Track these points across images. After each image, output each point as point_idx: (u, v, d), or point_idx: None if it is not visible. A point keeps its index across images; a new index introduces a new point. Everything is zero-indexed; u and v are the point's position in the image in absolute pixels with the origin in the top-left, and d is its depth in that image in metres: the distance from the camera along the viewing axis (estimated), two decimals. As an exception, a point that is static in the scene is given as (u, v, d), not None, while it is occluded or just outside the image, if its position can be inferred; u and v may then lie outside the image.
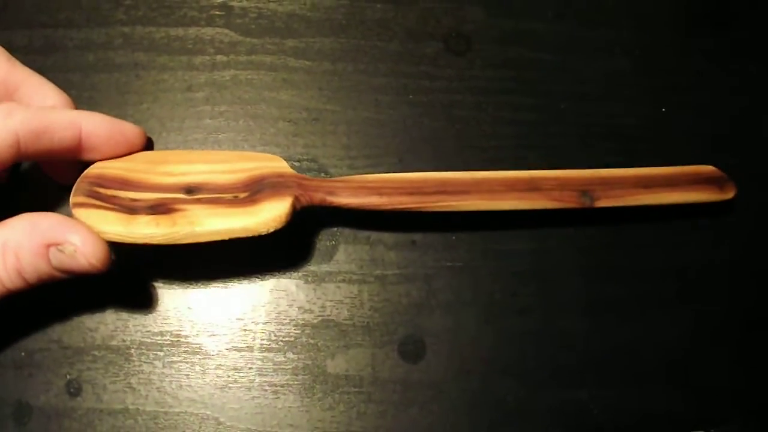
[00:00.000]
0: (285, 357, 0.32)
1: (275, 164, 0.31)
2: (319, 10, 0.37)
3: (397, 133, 0.36)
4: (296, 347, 0.32)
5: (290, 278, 0.33)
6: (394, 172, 0.33)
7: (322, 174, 0.35)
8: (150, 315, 0.32)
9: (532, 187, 0.32)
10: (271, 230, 0.28)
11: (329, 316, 0.33)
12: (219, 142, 0.35)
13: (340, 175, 0.34)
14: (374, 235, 0.34)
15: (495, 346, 0.33)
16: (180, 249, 0.28)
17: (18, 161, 0.27)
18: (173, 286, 0.33)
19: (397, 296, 0.33)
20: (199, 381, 0.31)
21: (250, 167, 0.30)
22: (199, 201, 0.29)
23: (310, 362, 0.32)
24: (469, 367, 0.33)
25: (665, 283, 0.35)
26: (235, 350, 0.32)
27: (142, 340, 0.32)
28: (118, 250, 0.27)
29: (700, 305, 0.35)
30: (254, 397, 0.31)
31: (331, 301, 0.33)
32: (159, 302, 0.32)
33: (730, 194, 0.34)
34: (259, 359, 0.32)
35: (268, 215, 0.29)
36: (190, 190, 0.29)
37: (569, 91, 0.38)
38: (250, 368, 0.32)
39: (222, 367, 0.32)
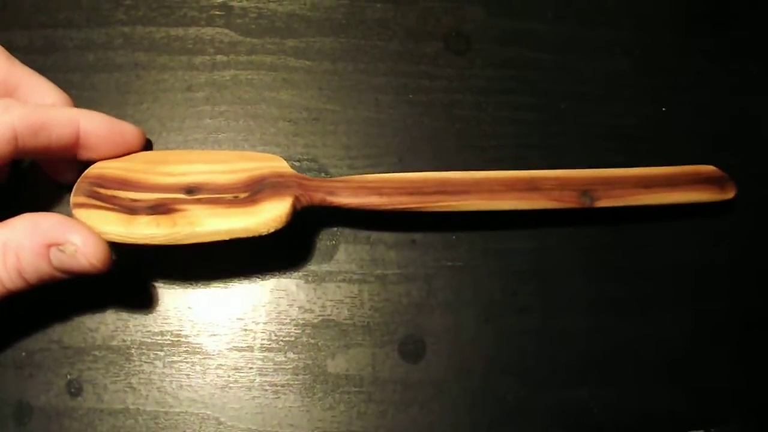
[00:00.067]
0: (285, 357, 0.32)
1: (275, 164, 0.31)
2: (319, 9, 0.37)
3: (397, 132, 0.36)
4: (297, 347, 0.32)
5: (291, 278, 0.33)
6: (394, 171, 0.33)
7: (323, 174, 0.35)
8: (150, 315, 0.32)
9: (532, 187, 0.32)
10: (272, 230, 0.29)
11: (330, 315, 0.33)
12: (219, 142, 0.35)
13: (341, 175, 0.34)
14: (374, 234, 0.34)
15: (495, 346, 0.33)
16: (180, 249, 0.28)
17: (16, 157, 0.27)
18: (173, 286, 0.33)
19: (398, 296, 0.33)
20: (200, 381, 0.31)
21: (251, 167, 0.30)
22: (199, 201, 0.29)
23: (310, 362, 0.32)
24: (470, 366, 0.33)
25: (665, 282, 0.35)
26: (235, 350, 0.32)
27: (143, 340, 0.32)
28: (119, 250, 0.28)
29: (700, 305, 0.35)
30: (255, 396, 0.31)
31: (331, 300, 0.33)
32: (159, 302, 0.32)
33: (730, 194, 0.34)
34: (260, 359, 0.32)
35: (268, 215, 0.29)
36: (190, 190, 0.29)
37: (569, 90, 0.38)
38: (250, 368, 0.32)
39: (222, 367, 0.32)
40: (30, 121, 0.27)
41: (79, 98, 0.33)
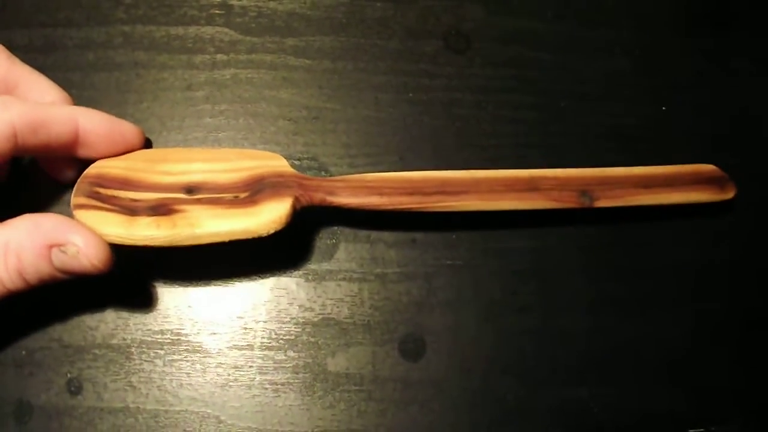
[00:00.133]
0: (285, 355, 0.32)
1: (275, 163, 0.31)
2: (319, 8, 0.37)
3: (397, 131, 0.36)
4: (297, 345, 0.32)
5: (291, 277, 0.33)
6: (394, 170, 0.33)
7: (323, 173, 0.35)
8: (150, 313, 0.32)
9: (532, 187, 0.32)
10: (272, 232, 0.29)
11: (330, 314, 0.33)
12: (219, 140, 0.35)
13: (341, 174, 0.34)
14: (374, 233, 0.34)
15: (495, 345, 0.33)
16: (180, 249, 0.28)
17: (16, 155, 0.27)
18: (174, 284, 0.33)
19: (398, 295, 0.33)
20: (200, 379, 0.31)
21: (251, 166, 0.30)
22: (199, 201, 0.29)
23: (310, 360, 0.32)
24: (470, 365, 0.33)
25: (666, 282, 0.35)
26: (235, 349, 0.32)
27: (143, 338, 0.32)
28: (119, 250, 0.28)
29: (700, 304, 0.35)
30: (255, 395, 0.31)
31: (331, 299, 0.33)
32: (159, 301, 0.32)
33: (730, 194, 0.34)
34: (260, 357, 0.32)
35: (268, 217, 0.29)
36: (190, 189, 0.29)
37: (569, 90, 0.38)
38: (250, 366, 0.32)
39: (222, 366, 0.32)
40: (29, 118, 0.27)
41: (79, 97, 0.33)
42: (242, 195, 0.29)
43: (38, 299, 0.28)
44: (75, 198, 0.28)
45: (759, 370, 0.34)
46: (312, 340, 0.32)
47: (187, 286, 0.33)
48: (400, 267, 0.34)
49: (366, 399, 0.32)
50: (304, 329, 0.32)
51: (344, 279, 0.33)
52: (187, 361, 0.32)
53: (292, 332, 0.32)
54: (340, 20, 0.37)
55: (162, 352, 0.32)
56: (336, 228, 0.34)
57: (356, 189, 0.31)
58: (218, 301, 0.33)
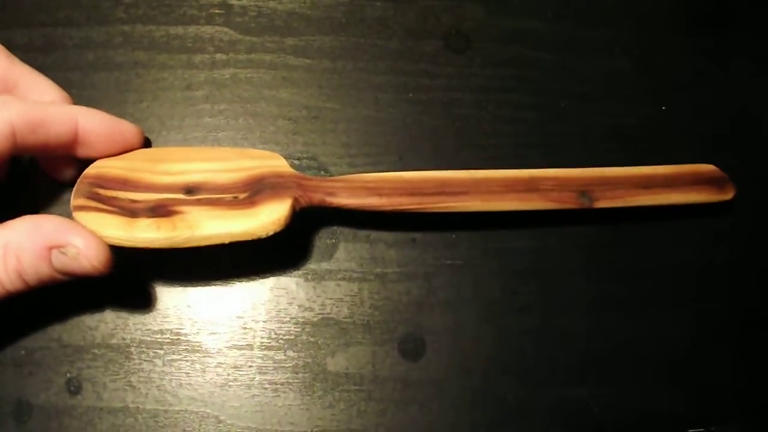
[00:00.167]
0: (285, 355, 0.32)
1: (275, 163, 0.31)
2: (319, 8, 0.37)
3: (397, 131, 0.36)
4: (296, 345, 0.32)
5: (290, 276, 0.33)
6: (394, 170, 0.33)
7: (322, 172, 0.35)
8: (150, 313, 0.32)
9: (531, 187, 0.32)
10: (271, 233, 0.29)
11: (329, 314, 0.33)
12: (219, 140, 0.35)
13: (340, 174, 0.34)
14: (374, 233, 0.34)
15: (495, 345, 0.33)
16: (180, 249, 0.28)
17: (15, 154, 0.27)
18: (173, 284, 0.33)
19: (397, 294, 0.33)
20: (199, 379, 0.31)
21: (250, 166, 0.30)
22: (199, 202, 0.29)
23: (310, 360, 0.32)
24: (470, 365, 0.33)
25: (666, 282, 0.35)
26: (235, 348, 0.32)
27: (142, 338, 0.32)
28: (118, 250, 0.28)
29: (700, 304, 0.35)
30: (254, 395, 0.31)
31: (331, 299, 0.33)
32: (159, 300, 0.32)
33: (729, 195, 0.34)
34: (259, 357, 0.32)
35: (267, 218, 0.29)
36: (189, 190, 0.30)
37: (569, 90, 0.38)
38: (250, 366, 0.32)
39: (222, 366, 0.32)
40: (28, 117, 0.27)
41: (79, 97, 0.33)
42: (241, 195, 0.29)
43: (38, 299, 0.28)
44: (74, 199, 0.28)
45: (759, 370, 0.34)
46: (311, 339, 0.32)
47: (187, 285, 0.33)
48: (399, 267, 0.34)
49: (366, 399, 0.32)
50: (303, 329, 0.32)
51: (344, 279, 0.33)
52: (187, 360, 0.32)
53: (291, 332, 0.32)
54: (339, 20, 0.37)
55: (161, 351, 0.32)
56: (336, 228, 0.34)
57: (355, 189, 0.31)
58: (218, 300, 0.32)
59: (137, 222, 0.28)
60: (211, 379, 0.31)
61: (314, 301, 0.33)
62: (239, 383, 0.32)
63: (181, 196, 0.29)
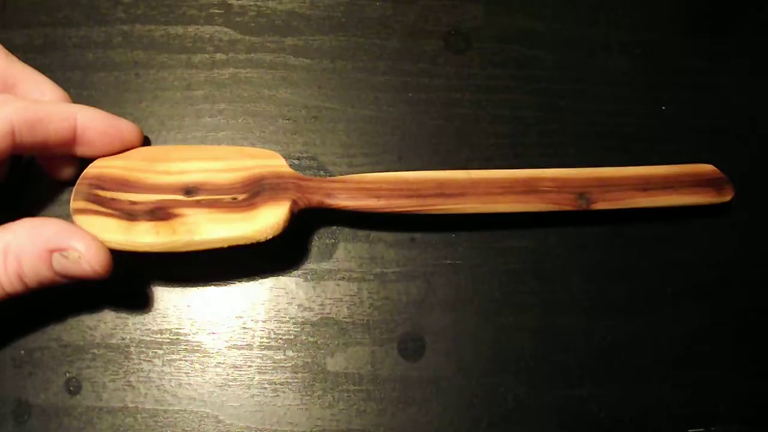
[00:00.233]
0: (284, 355, 0.32)
1: (274, 162, 0.31)
2: (319, 8, 0.37)
3: (397, 130, 0.36)
4: (296, 345, 0.32)
5: (290, 276, 0.33)
6: (393, 170, 0.33)
7: (322, 172, 0.35)
8: (149, 313, 0.32)
9: (529, 189, 0.32)
10: (269, 237, 0.29)
11: (329, 314, 0.33)
12: (218, 140, 0.35)
13: (340, 173, 0.34)
14: (374, 233, 0.34)
15: (494, 344, 0.33)
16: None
17: (15, 152, 0.27)
18: (173, 284, 0.33)
19: (397, 294, 0.33)
20: (199, 379, 0.31)
21: (249, 165, 0.30)
22: (198, 203, 0.29)
23: (309, 360, 0.32)
24: (469, 364, 0.33)
25: (665, 281, 0.35)
26: (234, 348, 0.32)
27: (142, 338, 0.32)
28: (118, 252, 0.28)
29: (699, 303, 0.35)
30: (254, 395, 0.31)
31: (330, 299, 0.33)
32: (158, 300, 0.32)
33: (727, 197, 0.34)
34: (259, 357, 0.32)
35: (265, 223, 0.29)
36: (189, 190, 0.30)
37: (568, 89, 0.38)
38: (249, 366, 0.32)
39: (221, 365, 0.32)
40: (27, 115, 0.27)
41: (79, 97, 0.33)
42: (240, 197, 0.30)
43: (37, 299, 0.28)
44: (74, 202, 0.29)
45: (759, 369, 0.34)
46: (311, 339, 0.32)
47: (186, 285, 0.33)
48: (399, 266, 0.34)
49: (365, 398, 0.32)
50: (303, 329, 0.32)
51: (343, 278, 0.33)
52: (186, 360, 0.32)
53: (291, 332, 0.32)
54: (339, 20, 0.37)
55: (161, 351, 0.32)
56: (335, 227, 0.34)
57: (354, 191, 0.31)
58: (217, 300, 0.32)
59: (137, 226, 0.28)
60: (210, 378, 0.31)
61: (314, 301, 0.33)
62: (239, 383, 0.32)
63: (180, 197, 0.29)
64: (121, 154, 0.30)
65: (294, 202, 0.30)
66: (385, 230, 0.34)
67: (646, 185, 0.33)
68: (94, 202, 0.29)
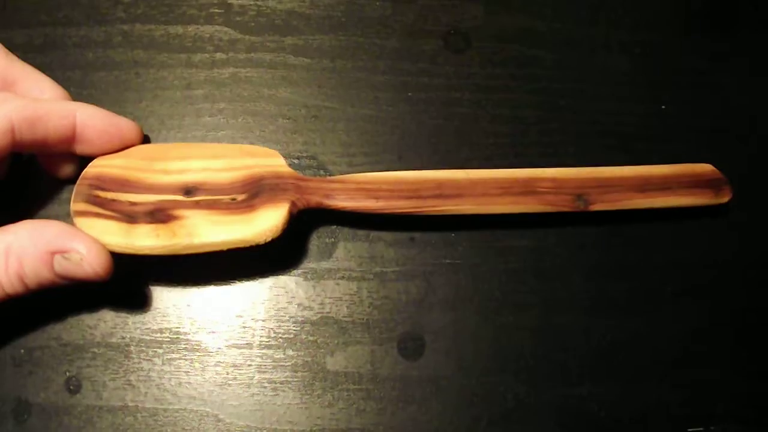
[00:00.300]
0: (284, 354, 0.32)
1: (273, 161, 0.31)
2: (318, 7, 0.37)
3: (396, 130, 0.36)
4: (295, 344, 0.32)
5: (289, 275, 0.33)
6: (393, 169, 0.33)
7: (321, 171, 0.35)
8: (149, 312, 0.32)
9: (527, 190, 0.32)
10: (268, 240, 0.29)
11: (329, 313, 0.33)
12: (218, 139, 0.35)
13: (340, 173, 0.34)
14: (373, 232, 0.34)
15: (494, 343, 0.33)
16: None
17: (15, 150, 0.27)
18: (172, 283, 0.33)
19: (397, 293, 0.33)
20: (199, 378, 0.31)
21: (248, 164, 0.31)
22: (197, 204, 0.29)
23: (309, 359, 0.32)
24: (469, 364, 0.33)
25: (665, 280, 0.35)
26: (234, 347, 0.32)
27: (142, 337, 0.32)
28: (118, 254, 0.28)
29: (699, 303, 0.35)
30: (253, 394, 0.31)
31: (330, 298, 0.33)
32: (158, 299, 0.32)
33: (725, 198, 0.34)
34: (259, 356, 0.32)
35: (264, 226, 0.29)
36: (188, 190, 0.30)
37: (568, 88, 0.38)
38: (249, 365, 0.32)
39: (221, 364, 0.32)
40: (27, 113, 0.27)
41: (79, 96, 0.33)
42: (240, 197, 0.30)
43: (37, 298, 0.28)
44: (74, 203, 0.29)
45: (758, 369, 0.34)
46: (311, 338, 0.32)
47: (186, 284, 0.33)
48: (399, 266, 0.34)
49: (365, 398, 0.32)
50: (302, 328, 0.32)
51: (343, 278, 0.33)
52: (186, 359, 0.32)
53: (291, 331, 0.32)
54: (339, 19, 0.37)
55: (161, 350, 0.32)
56: (335, 227, 0.34)
57: (352, 192, 0.31)
58: (217, 299, 0.33)
59: (137, 228, 0.28)
60: (210, 377, 0.31)
61: (313, 300, 0.33)
62: (238, 382, 0.32)
63: (179, 197, 0.29)
64: (120, 153, 0.31)
65: (293, 204, 0.30)
66: (385, 230, 0.34)
67: (644, 186, 0.33)
68: (94, 203, 0.29)
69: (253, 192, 0.30)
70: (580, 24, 0.39)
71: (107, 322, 0.32)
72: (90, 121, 0.29)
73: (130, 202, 0.29)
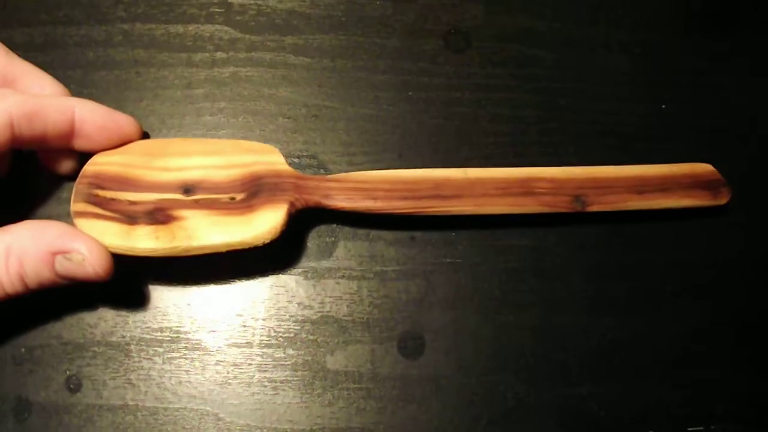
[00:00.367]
0: (284, 353, 0.32)
1: (272, 159, 0.31)
2: (319, 6, 0.38)
3: (397, 129, 0.36)
4: (296, 343, 0.32)
5: (290, 274, 0.33)
6: (393, 168, 0.33)
7: (322, 171, 0.35)
8: (149, 311, 0.32)
9: (525, 191, 0.32)
10: (267, 242, 0.29)
11: (329, 312, 0.33)
12: (218, 138, 0.35)
13: (340, 172, 0.34)
14: (374, 231, 0.34)
15: (494, 343, 0.33)
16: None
17: (13, 146, 0.27)
18: (173, 282, 0.33)
19: (397, 292, 0.33)
20: (199, 377, 0.31)
21: (247, 162, 0.31)
22: (196, 203, 0.29)
23: (309, 358, 0.32)
24: (469, 363, 0.33)
25: (665, 280, 0.35)
26: (234, 346, 0.32)
27: (142, 336, 0.32)
28: (118, 255, 0.28)
29: (699, 302, 0.35)
30: (254, 393, 0.31)
31: (330, 297, 0.33)
32: (158, 299, 0.32)
33: (723, 200, 0.34)
34: (259, 355, 0.32)
35: (263, 227, 0.29)
36: (187, 189, 0.30)
37: (568, 88, 0.38)
38: (249, 364, 0.32)
39: (221, 363, 0.32)
40: (25, 108, 0.27)
41: (79, 95, 0.33)
42: (239, 196, 0.30)
43: (38, 297, 0.28)
44: (74, 203, 0.29)
45: (758, 369, 0.34)
46: (311, 337, 0.32)
47: (187, 283, 0.33)
48: (399, 265, 0.34)
49: (365, 397, 0.32)
50: (303, 327, 0.32)
51: (343, 277, 0.33)
52: (186, 358, 0.32)
53: (291, 330, 0.32)
54: (339, 18, 0.37)
55: (161, 349, 0.32)
56: (335, 226, 0.34)
57: (351, 191, 0.31)
58: (217, 298, 0.33)
59: (136, 230, 0.28)
60: (210, 376, 0.31)
61: (314, 299, 0.33)
62: (239, 381, 0.32)
63: (179, 196, 0.30)
64: (119, 149, 0.31)
65: (291, 204, 0.30)
66: (385, 229, 0.34)
67: (642, 187, 0.33)
68: (94, 203, 0.29)
69: (252, 191, 0.30)
70: (580, 24, 0.39)
71: (108, 321, 0.32)
72: (89, 116, 0.29)
73: (129, 201, 0.29)
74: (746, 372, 0.34)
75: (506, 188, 0.32)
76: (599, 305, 0.34)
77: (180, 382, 0.31)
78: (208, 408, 0.31)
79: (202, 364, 0.32)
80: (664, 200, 0.34)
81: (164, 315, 0.32)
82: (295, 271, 0.33)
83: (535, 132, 0.36)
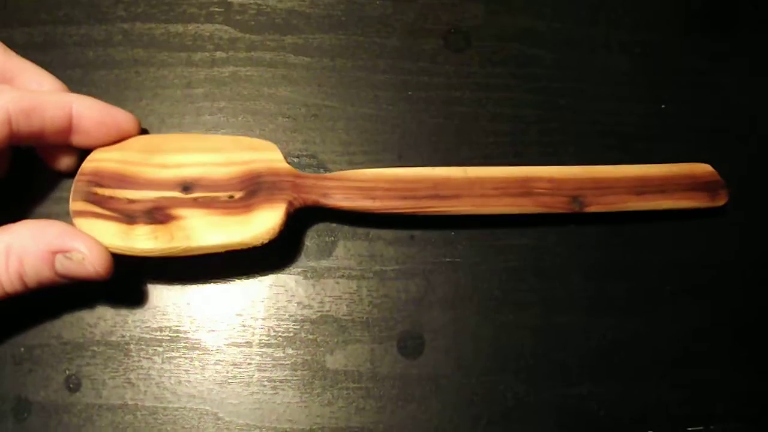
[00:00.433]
0: (284, 352, 0.32)
1: (271, 156, 0.31)
2: (319, 6, 0.38)
3: (396, 129, 0.36)
4: (295, 343, 0.32)
5: (289, 274, 0.33)
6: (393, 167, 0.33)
7: (321, 170, 0.35)
8: (149, 311, 0.32)
9: (524, 191, 0.32)
10: (265, 242, 0.29)
11: (328, 311, 0.33)
12: (218, 138, 0.35)
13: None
14: (373, 230, 0.34)
15: (494, 342, 0.33)
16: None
17: (11, 142, 0.27)
18: (172, 281, 0.33)
19: (396, 292, 0.33)
20: (198, 376, 0.31)
21: (246, 159, 0.31)
22: (195, 202, 0.29)
23: (309, 358, 0.32)
24: (468, 362, 0.33)
25: (664, 280, 0.35)
26: (234, 346, 0.32)
27: (141, 335, 0.32)
28: (117, 255, 0.28)
29: (699, 302, 0.35)
30: (253, 392, 0.31)
31: (330, 296, 0.33)
32: (158, 298, 0.32)
33: (721, 201, 0.34)
34: (258, 355, 0.32)
35: (262, 228, 0.29)
36: (186, 186, 0.30)
37: (568, 87, 0.38)
38: (249, 364, 0.32)
39: (221, 363, 0.32)
40: (23, 104, 0.27)
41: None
42: (237, 195, 0.30)
43: (37, 297, 0.28)
44: (73, 202, 0.29)
45: (757, 369, 0.34)
46: (310, 337, 0.32)
47: (186, 283, 0.33)
48: (398, 264, 0.34)
49: (365, 396, 0.32)
50: (302, 326, 0.32)
51: (343, 276, 0.33)
52: (186, 358, 0.32)
53: (290, 329, 0.32)
54: (339, 18, 0.37)
55: (160, 349, 0.32)
56: (334, 225, 0.34)
57: (349, 191, 0.31)
58: (217, 298, 0.33)
59: (135, 230, 0.28)
60: (210, 376, 0.31)
61: (313, 299, 0.33)
62: (238, 380, 0.32)
63: (177, 194, 0.30)
64: (117, 145, 0.31)
65: (289, 203, 0.30)
66: (385, 228, 0.34)
67: (640, 188, 0.33)
68: (92, 202, 0.29)
69: (251, 190, 0.30)
70: (580, 24, 0.39)
71: (107, 320, 0.32)
72: (86, 112, 0.29)
73: (128, 199, 0.29)
74: (746, 371, 0.34)
75: (505, 188, 0.32)
76: (599, 305, 0.34)
77: (179, 382, 0.31)
78: (207, 407, 0.31)
79: (201, 364, 0.32)
80: (662, 201, 0.34)
81: (163, 314, 0.32)
82: (294, 270, 0.33)
83: (535, 132, 0.36)
